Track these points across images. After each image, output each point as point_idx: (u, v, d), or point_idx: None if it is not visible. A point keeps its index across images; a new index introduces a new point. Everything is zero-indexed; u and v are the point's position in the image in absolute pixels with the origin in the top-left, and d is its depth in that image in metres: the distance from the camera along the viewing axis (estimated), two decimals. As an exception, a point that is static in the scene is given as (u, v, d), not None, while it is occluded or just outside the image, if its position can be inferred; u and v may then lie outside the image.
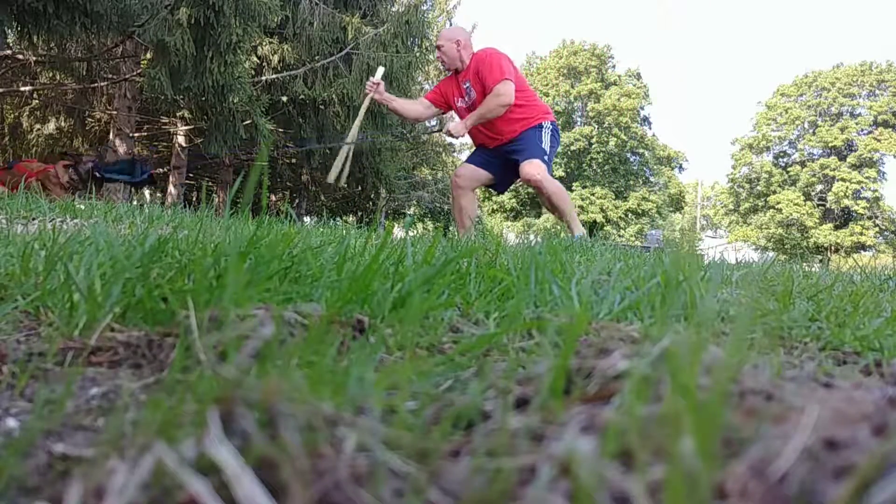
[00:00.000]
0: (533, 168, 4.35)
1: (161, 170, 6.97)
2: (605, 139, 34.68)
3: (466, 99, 4.60)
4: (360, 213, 15.99)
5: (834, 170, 34.02)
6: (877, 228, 33.52)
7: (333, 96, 10.44)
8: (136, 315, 0.73)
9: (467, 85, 4.54)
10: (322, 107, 10.89)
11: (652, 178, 36.25)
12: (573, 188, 34.45)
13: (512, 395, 0.47)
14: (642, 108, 36.27)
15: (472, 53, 4.53)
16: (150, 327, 0.71)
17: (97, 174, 5.84)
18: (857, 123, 34.71)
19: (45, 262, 0.88)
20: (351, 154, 4.60)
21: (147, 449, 0.35)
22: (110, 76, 10.91)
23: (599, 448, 0.33)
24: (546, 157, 4.42)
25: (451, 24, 21.06)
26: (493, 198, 36.04)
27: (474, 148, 4.94)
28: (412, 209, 19.73)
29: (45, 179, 5.61)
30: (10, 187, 5.56)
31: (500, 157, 4.60)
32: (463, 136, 4.60)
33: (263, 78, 10.26)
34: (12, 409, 0.53)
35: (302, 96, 10.45)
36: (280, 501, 0.32)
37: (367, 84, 4.70)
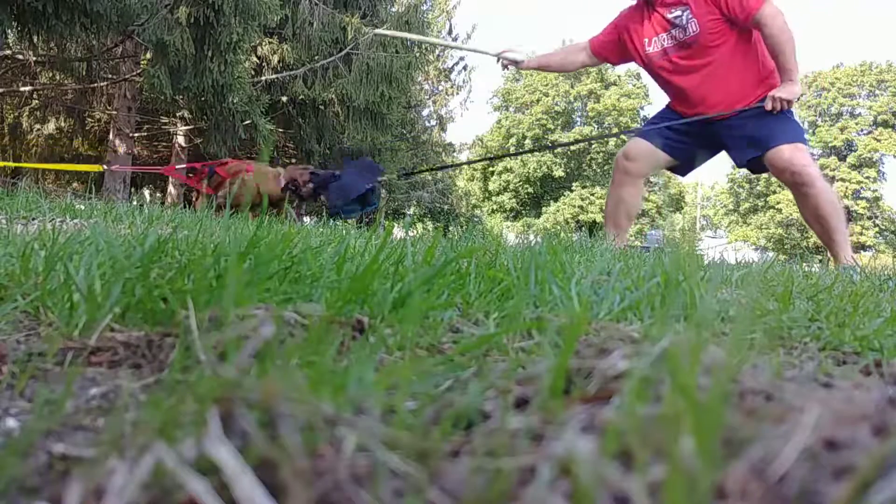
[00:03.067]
0: (800, 155, 2.99)
1: (387, 177, 5.74)
2: (605, 139, 34.67)
3: (673, 36, 3.15)
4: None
5: (834, 170, 34.02)
6: (877, 228, 33.54)
7: (333, 96, 10.44)
8: (136, 315, 0.73)
9: (680, 14, 3.10)
10: (322, 107, 10.89)
11: (652, 179, 36.19)
12: (573, 188, 34.45)
13: (512, 395, 0.47)
14: (642, 109, 36.26)
15: None
16: (150, 327, 0.71)
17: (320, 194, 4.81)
18: (856, 123, 34.73)
19: (45, 262, 0.88)
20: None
21: (147, 449, 0.35)
22: (110, 76, 10.91)
23: (599, 448, 0.33)
24: (805, 134, 3.12)
25: (450, 25, 20.94)
26: (493, 197, 36.06)
27: (657, 114, 3.55)
28: (412, 209, 19.74)
29: (262, 178, 4.87)
30: (230, 173, 4.91)
31: (701, 135, 3.28)
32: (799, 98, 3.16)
33: (263, 78, 10.27)
34: (12, 409, 0.53)
35: (301, 96, 10.46)
36: (280, 501, 0.32)
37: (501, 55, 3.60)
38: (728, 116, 3.20)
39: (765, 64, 3.12)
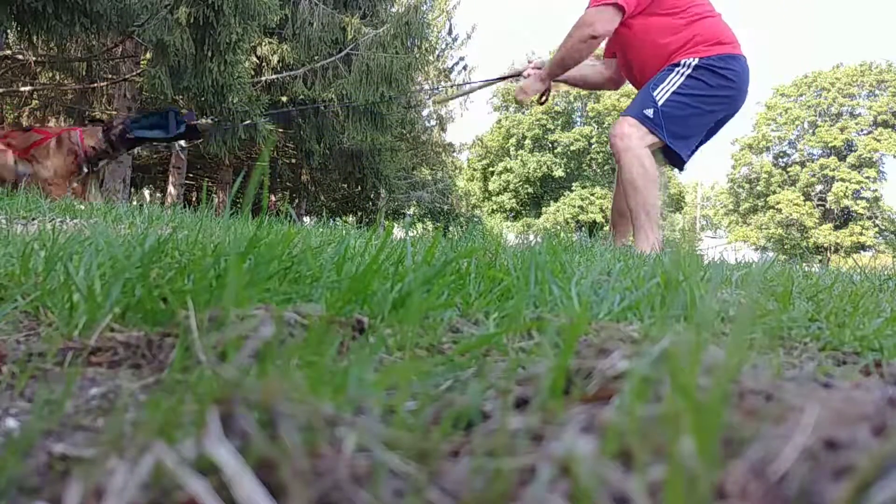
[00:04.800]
0: (620, 126, 2.97)
1: (206, 119, 6.23)
2: (605, 139, 34.63)
3: None
4: (359, 214, 15.99)
5: (834, 170, 34.04)
6: (876, 228, 33.56)
7: (333, 97, 10.43)
8: (135, 315, 0.73)
9: None
10: (322, 107, 10.89)
11: (651, 179, 36.19)
12: (573, 188, 34.43)
13: (512, 395, 0.47)
14: (642, 109, 36.19)
15: None
16: (150, 327, 0.71)
17: (129, 136, 5.12)
18: (856, 123, 34.74)
19: (45, 262, 0.88)
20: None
21: (147, 449, 0.35)
22: (110, 76, 10.90)
23: (599, 448, 0.33)
24: (648, 110, 2.93)
25: (450, 25, 20.92)
26: (493, 197, 36.06)
27: None
28: (412, 209, 19.75)
29: (60, 143, 5.01)
30: (21, 150, 4.96)
31: None
32: (537, 92, 3.26)
33: (263, 78, 10.26)
34: (12, 409, 0.53)
35: (301, 97, 10.45)
36: (280, 501, 0.32)
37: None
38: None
39: (671, 36, 3.03)
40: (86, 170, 5.17)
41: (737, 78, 3.00)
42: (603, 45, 3.34)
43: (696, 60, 2.96)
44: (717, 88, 2.96)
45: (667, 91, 2.92)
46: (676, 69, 2.98)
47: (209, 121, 6.16)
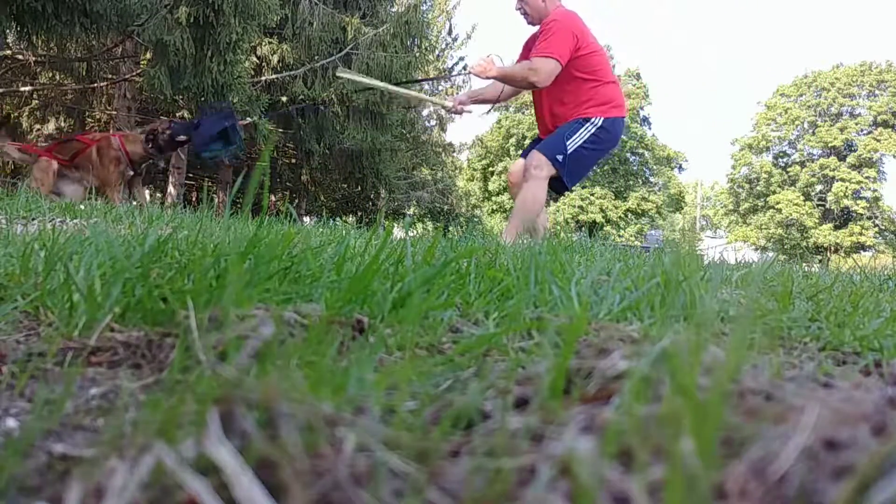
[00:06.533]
0: (534, 160, 3.75)
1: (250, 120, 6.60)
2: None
3: None
4: (359, 214, 15.99)
5: (833, 170, 34.02)
6: (876, 228, 33.55)
7: (333, 96, 10.44)
8: (135, 315, 0.73)
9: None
10: (322, 107, 10.89)
11: (652, 179, 36.26)
12: (572, 188, 34.38)
13: (512, 395, 0.47)
14: (642, 109, 36.23)
15: (555, 9, 3.83)
16: (150, 327, 0.71)
17: (177, 139, 5.19)
18: (856, 123, 34.72)
19: (45, 262, 0.88)
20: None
21: (147, 449, 0.35)
22: (110, 76, 10.91)
23: (599, 448, 0.33)
24: (560, 156, 3.74)
25: (450, 25, 20.97)
26: (493, 197, 36.06)
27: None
28: (412, 209, 19.73)
29: (101, 149, 5.08)
30: (68, 158, 5.05)
31: None
32: (483, 76, 3.89)
33: (263, 78, 10.26)
34: (12, 409, 0.53)
35: (301, 96, 10.45)
36: (280, 501, 0.32)
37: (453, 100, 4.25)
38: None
39: (584, 92, 3.79)
40: (131, 173, 5.21)
41: (617, 137, 3.98)
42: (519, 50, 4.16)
43: (601, 121, 3.80)
44: (605, 143, 3.89)
45: (576, 143, 3.78)
46: (586, 125, 3.80)
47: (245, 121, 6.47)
